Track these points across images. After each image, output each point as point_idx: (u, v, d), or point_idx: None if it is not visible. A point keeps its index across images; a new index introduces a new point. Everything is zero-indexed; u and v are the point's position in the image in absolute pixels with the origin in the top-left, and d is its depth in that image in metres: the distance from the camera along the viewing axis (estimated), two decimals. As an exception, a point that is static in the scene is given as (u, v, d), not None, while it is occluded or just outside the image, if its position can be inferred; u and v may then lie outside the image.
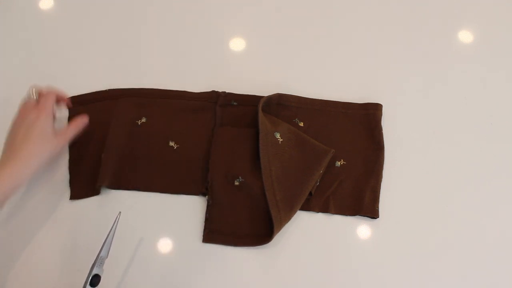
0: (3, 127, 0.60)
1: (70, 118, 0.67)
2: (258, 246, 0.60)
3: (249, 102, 0.67)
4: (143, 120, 0.67)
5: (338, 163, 0.64)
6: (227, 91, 0.68)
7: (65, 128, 0.62)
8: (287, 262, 0.61)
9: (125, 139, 0.65)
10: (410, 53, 0.74)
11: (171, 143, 0.65)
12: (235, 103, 0.68)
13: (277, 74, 0.72)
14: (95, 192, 0.63)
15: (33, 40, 0.75)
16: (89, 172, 0.64)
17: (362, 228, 0.63)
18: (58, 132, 0.60)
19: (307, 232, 0.62)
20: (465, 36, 0.76)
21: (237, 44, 0.74)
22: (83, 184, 0.64)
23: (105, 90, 0.69)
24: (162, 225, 0.63)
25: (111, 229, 0.56)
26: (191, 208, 0.63)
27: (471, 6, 0.79)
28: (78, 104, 0.68)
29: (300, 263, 0.61)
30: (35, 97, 0.61)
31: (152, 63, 0.73)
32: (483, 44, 0.75)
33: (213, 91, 0.68)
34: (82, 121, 0.63)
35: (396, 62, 0.73)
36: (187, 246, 0.61)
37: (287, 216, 0.60)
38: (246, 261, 0.61)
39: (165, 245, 0.62)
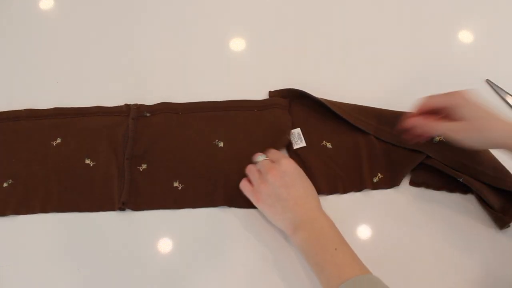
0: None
1: None
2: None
3: (160, 110, 0.67)
4: (58, 141, 0.66)
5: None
6: (139, 103, 0.68)
7: None
8: (288, 263, 0.59)
9: (37, 163, 0.65)
10: (411, 53, 0.74)
11: (87, 161, 0.65)
12: (147, 114, 0.67)
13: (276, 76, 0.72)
14: None
15: (33, 40, 0.76)
16: None
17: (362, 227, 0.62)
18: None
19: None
20: (465, 36, 0.76)
21: (237, 45, 0.75)
22: None
23: (20, 110, 0.69)
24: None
25: None
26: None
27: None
28: (-11, 123, 0.67)
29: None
30: (264, 157, 0.60)
31: (152, 65, 0.73)
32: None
33: (125, 104, 0.68)
34: None
35: (396, 61, 0.73)
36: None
37: None
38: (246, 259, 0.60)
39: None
